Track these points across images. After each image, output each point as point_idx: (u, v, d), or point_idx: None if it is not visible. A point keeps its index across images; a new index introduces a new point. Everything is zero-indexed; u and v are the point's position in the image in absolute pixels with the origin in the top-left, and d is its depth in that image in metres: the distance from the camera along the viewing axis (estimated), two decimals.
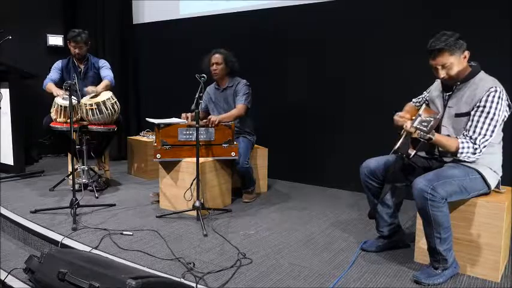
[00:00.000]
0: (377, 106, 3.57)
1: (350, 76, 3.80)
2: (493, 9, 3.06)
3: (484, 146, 2.10)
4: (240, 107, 3.49)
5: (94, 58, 4.02)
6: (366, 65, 3.69)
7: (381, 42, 3.58)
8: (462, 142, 2.09)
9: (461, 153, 2.09)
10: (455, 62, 2.13)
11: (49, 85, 3.80)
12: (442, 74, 2.17)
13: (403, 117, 2.24)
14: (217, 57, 3.51)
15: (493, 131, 2.09)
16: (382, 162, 2.41)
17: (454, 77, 2.17)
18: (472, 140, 2.09)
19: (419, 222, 2.24)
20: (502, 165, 2.26)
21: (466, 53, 2.15)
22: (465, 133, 2.13)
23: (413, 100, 2.58)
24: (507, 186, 2.38)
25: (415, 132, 2.05)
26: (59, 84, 3.82)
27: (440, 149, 2.24)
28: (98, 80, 3.90)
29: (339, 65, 3.84)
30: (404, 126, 2.13)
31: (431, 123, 2.01)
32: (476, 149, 2.09)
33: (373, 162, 2.43)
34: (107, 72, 3.92)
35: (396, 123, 2.29)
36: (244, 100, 3.51)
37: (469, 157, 2.11)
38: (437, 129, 2.23)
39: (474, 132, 2.10)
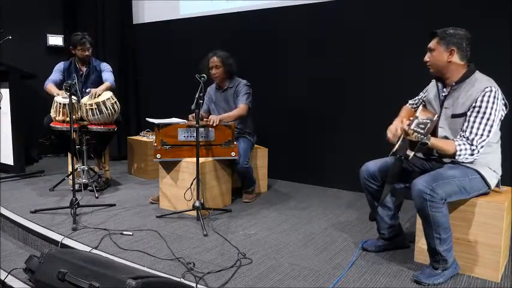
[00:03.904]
0: (377, 106, 3.57)
1: (350, 76, 3.80)
2: (493, 9, 3.06)
3: (482, 147, 2.09)
4: (242, 107, 3.48)
5: (96, 61, 4.03)
6: (366, 65, 3.69)
7: (381, 42, 3.58)
8: (459, 144, 2.09)
9: (459, 155, 2.09)
10: (438, 51, 2.19)
11: (49, 86, 3.81)
12: (426, 56, 2.25)
13: (393, 133, 2.25)
14: (215, 60, 3.49)
15: (489, 131, 2.09)
16: (381, 165, 2.41)
17: (432, 64, 2.23)
18: (468, 141, 2.09)
19: (419, 222, 2.24)
20: (502, 165, 2.26)
21: (454, 52, 2.16)
22: (462, 134, 2.13)
23: (410, 102, 2.58)
24: (507, 186, 2.38)
25: (412, 134, 2.06)
26: (60, 86, 3.83)
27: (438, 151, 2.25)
28: (99, 83, 3.90)
29: (339, 65, 3.84)
30: (401, 129, 2.14)
31: (428, 125, 2.01)
32: (473, 150, 2.08)
33: (372, 165, 2.43)
34: (108, 75, 3.93)
35: (387, 139, 2.30)
36: (246, 100, 3.50)
37: (467, 158, 2.10)
38: (434, 130, 2.23)
39: (471, 133, 2.09)
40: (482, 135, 2.08)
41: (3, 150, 4.43)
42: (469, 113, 2.13)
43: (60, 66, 3.96)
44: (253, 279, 2.17)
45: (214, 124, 3.22)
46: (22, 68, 4.42)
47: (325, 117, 3.98)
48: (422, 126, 2.02)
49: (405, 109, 2.56)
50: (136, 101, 5.39)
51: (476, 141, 2.08)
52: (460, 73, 2.20)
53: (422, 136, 2.00)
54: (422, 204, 2.05)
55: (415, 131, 2.03)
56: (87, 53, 3.88)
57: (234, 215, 3.19)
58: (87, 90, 3.70)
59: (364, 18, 3.67)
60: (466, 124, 2.13)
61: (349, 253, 2.50)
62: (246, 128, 3.63)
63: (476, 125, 2.09)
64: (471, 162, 2.15)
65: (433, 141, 2.08)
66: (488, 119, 2.08)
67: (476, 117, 2.10)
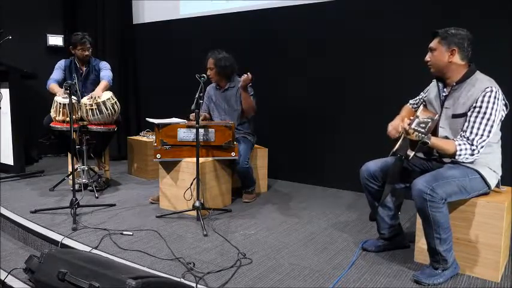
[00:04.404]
0: (377, 106, 3.57)
1: (350, 76, 3.80)
2: (493, 9, 3.06)
3: (482, 147, 2.09)
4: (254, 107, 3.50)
5: (95, 60, 4.03)
6: (366, 65, 3.69)
7: (381, 42, 3.58)
8: (459, 144, 2.09)
9: (459, 155, 2.09)
10: (439, 51, 2.19)
11: (52, 85, 3.81)
12: (427, 56, 2.25)
13: (395, 129, 2.25)
14: (210, 62, 3.50)
15: (490, 131, 2.09)
16: (381, 165, 2.41)
17: (433, 64, 2.23)
18: (469, 141, 2.09)
19: (419, 222, 2.24)
20: (502, 165, 2.26)
21: (455, 52, 2.16)
22: (462, 134, 2.13)
23: (410, 102, 2.58)
24: (507, 186, 2.38)
25: (413, 133, 2.06)
26: (62, 84, 3.82)
27: (439, 151, 2.25)
28: (98, 82, 3.89)
29: (339, 65, 3.84)
30: (402, 128, 2.14)
31: (429, 124, 2.01)
32: (473, 150, 2.08)
33: (373, 165, 2.43)
34: (105, 72, 3.93)
35: (388, 134, 2.31)
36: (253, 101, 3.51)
37: (467, 158, 2.10)
38: (435, 130, 2.23)
39: (471, 133, 2.09)
40: (482, 135, 2.08)
41: (3, 150, 4.43)
42: (469, 113, 2.13)
43: (61, 63, 3.96)
44: (253, 279, 2.17)
45: (249, 79, 3.29)
46: (22, 68, 4.42)
47: (325, 117, 3.98)
48: (423, 125, 2.02)
49: (406, 108, 2.56)
50: (136, 101, 5.39)
51: (477, 141, 2.08)
52: (460, 73, 2.20)
53: (423, 135, 2.01)
54: (423, 204, 2.05)
55: (415, 130, 2.03)
56: (87, 52, 3.88)
57: (234, 215, 3.19)
58: (88, 95, 3.67)
59: (364, 18, 3.67)
60: (466, 124, 2.13)
61: (349, 253, 2.50)
62: (245, 128, 3.62)
63: (476, 125, 2.09)
64: (471, 162, 2.15)
65: (433, 140, 2.08)
66: (488, 119, 2.08)
67: (476, 117, 2.10)
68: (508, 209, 2.17)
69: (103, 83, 3.79)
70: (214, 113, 3.69)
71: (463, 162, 2.15)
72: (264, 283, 2.13)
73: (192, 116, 3.41)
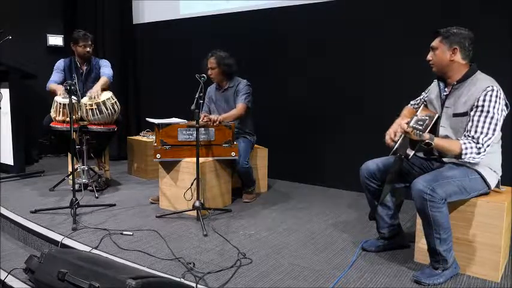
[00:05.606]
0: (377, 106, 3.57)
1: (350, 76, 3.80)
2: (494, 9, 3.06)
3: (488, 145, 2.07)
4: (240, 107, 3.48)
5: (95, 59, 4.02)
6: (366, 65, 3.69)
7: (381, 42, 3.58)
8: (464, 143, 2.07)
9: (465, 154, 2.07)
10: (441, 50, 2.20)
11: (52, 85, 3.81)
12: (429, 55, 2.25)
13: (390, 136, 2.23)
14: (211, 62, 3.50)
15: (494, 130, 2.08)
16: (381, 164, 2.41)
17: (435, 63, 2.23)
18: (474, 140, 2.08)
19: (419, 222, 2.24)
20: (502, 165, 2.26)
21: (457, 51, 2.16)
22: (466, 134, 2.12)
23: (411, 102, 2.58)
24: (507, 186, 2.38)
25: (411, 132, 2.06)
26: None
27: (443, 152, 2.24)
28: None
29: (339, 65, 3.84)
30: (401, 127, 2.14)
31: (427, 122, 2.03)
32: (479, 148, 2.07)
33: (372, 164, 2.43)
34: (105, 70, 3.93)
35: (387, 144, 2.26)
36: (244, 99, 3.50)
37: (473, 158, 2.08)
38: (435, 129, 2.23)
39: (476, 131, 2.08)
40: (487, 133, 2.07)
41: (3, 150, 4.43)
42: (472, 113, 2.12)
43: (60, 64, 3.95)
44: (253, 279, 2.17)
45: (215, 124, 3.22)
46: (22, 68, 4.42)
47: (325, 117, 3.98)
48: (421, 123, 2.04)
49: (407, 109, 2.56)
50: (136, 101, 5.39)
51: (482, 140, 2.07)
52: (461, 72, 2.20)
53: (420, 132, 2.01)
54: (423, 204, 2.05)
55: (414, 128, 2.04)
56: (88, 49, 3.87)
57: (234, 215, 3.19)
58: (88, 93, 3.67)
59: (364, 18, 3.67)
60: (470, 124, 2.12)
61: (349, 253, 2.50)
62: (245, 127, 3.62)
63: (480, 124, 2.08)
64: (476, 163, 2.14)
65: (437, 141, 2.07)
66: (492, 118, 2.07)
67: (480, 116, 2.09)
68: (508, 209, 2.17)
69: (103, 79, 3.78)
70: (214, 113, 3.68)
71: (469, 162, 2.12)
72: (264, 283, 2.13)
73: (203, 115, 3.39)
